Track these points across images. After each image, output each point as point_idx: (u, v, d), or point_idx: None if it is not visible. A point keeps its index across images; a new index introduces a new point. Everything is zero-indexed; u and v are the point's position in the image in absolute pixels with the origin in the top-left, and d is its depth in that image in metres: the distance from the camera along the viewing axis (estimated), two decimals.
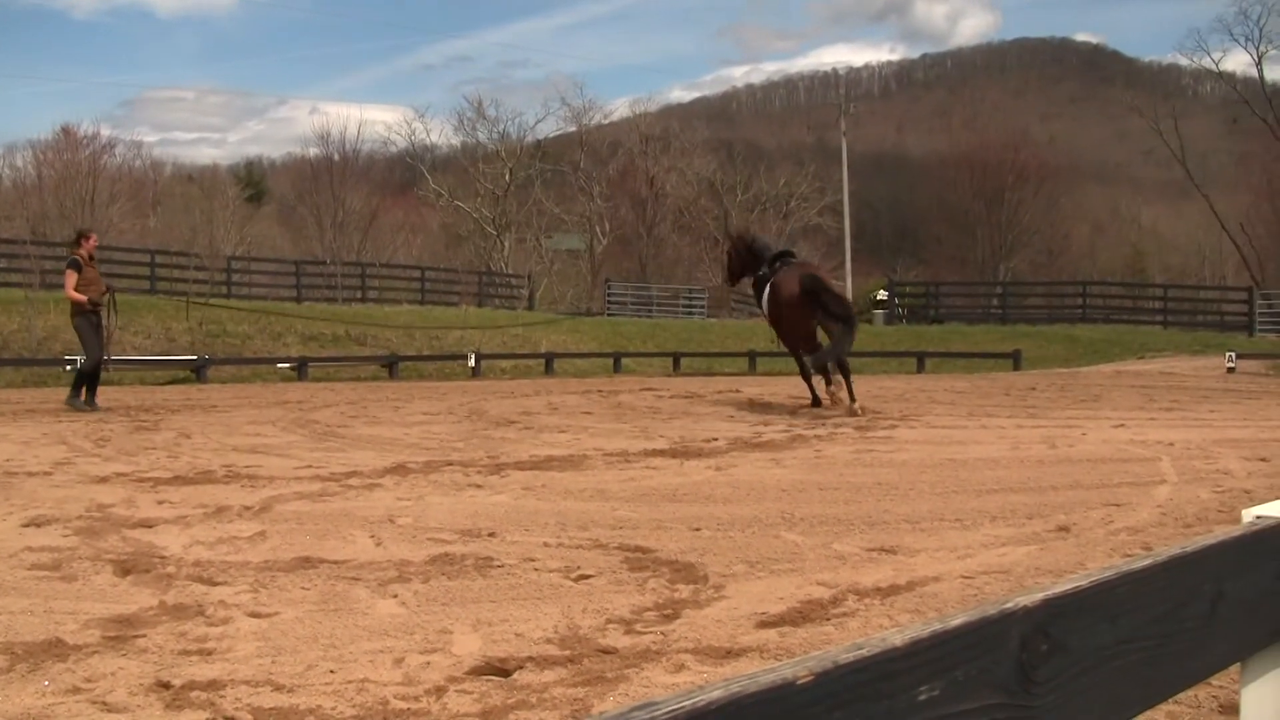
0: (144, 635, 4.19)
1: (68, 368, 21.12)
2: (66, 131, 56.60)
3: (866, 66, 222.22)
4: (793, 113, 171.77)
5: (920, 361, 29.05)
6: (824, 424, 12.56)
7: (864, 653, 1.12)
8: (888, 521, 6.42)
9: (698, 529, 6.22)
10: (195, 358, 23.07)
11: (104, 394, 15.71)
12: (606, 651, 4.01)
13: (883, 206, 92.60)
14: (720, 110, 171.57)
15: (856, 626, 4.34)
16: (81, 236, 15.28)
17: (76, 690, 3.65)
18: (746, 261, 15.25)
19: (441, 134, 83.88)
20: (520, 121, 64.55)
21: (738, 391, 18.59)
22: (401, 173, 71.55)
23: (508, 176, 60.13)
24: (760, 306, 15.39)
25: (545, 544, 5.84)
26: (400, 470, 8.71)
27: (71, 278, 14.66)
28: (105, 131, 60.06)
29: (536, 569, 5.27)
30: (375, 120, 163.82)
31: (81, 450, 10.17)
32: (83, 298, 14.67)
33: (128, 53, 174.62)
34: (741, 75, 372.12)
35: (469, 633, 4.25)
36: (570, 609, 4.58)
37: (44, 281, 26.98)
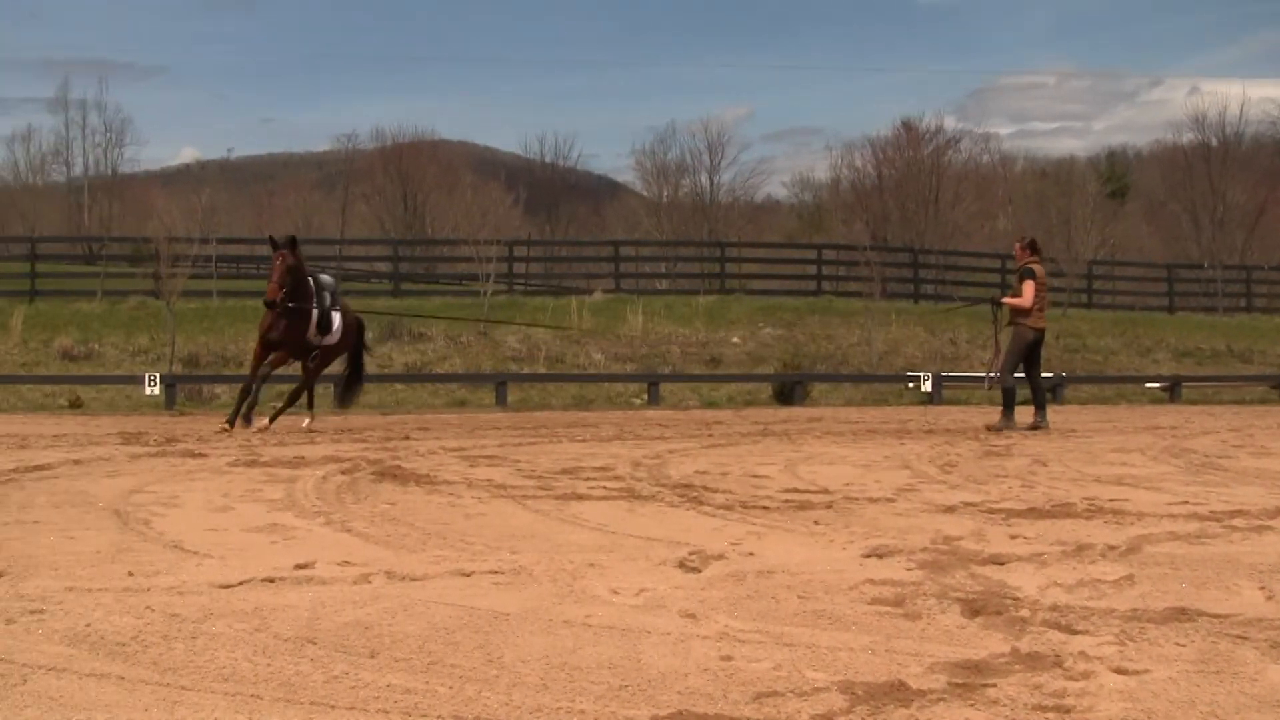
0: (994, 685, 4.24)
1: (910, 385, 22.33)
2: (907, 127, 59.98)
3: None
4: None
5: None
6: None
7: None
8: None
9: None
10: (1050, 375, 23.38)
11: (949, 414, 16.39)
12: None
13: None
14: None
15: None
16: (1029, 247, 16.41)
17: None
18: (305, 292, 15.85)
19: None
20: None
21: None
22: None
23: None
24: (319, 330, 16.11)
25: None
26: None
27: (1030, 288, 15.91)
28: (949, 124, 63.04)
29: None
30: (1262, 97, 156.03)
31: (926, 476, 10.63)
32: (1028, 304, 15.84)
33: (979, 37, 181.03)
34: None
35: None
36: None
37: (884, 290, 28.74)
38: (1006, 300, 16.07)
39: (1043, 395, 16.55)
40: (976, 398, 20.70)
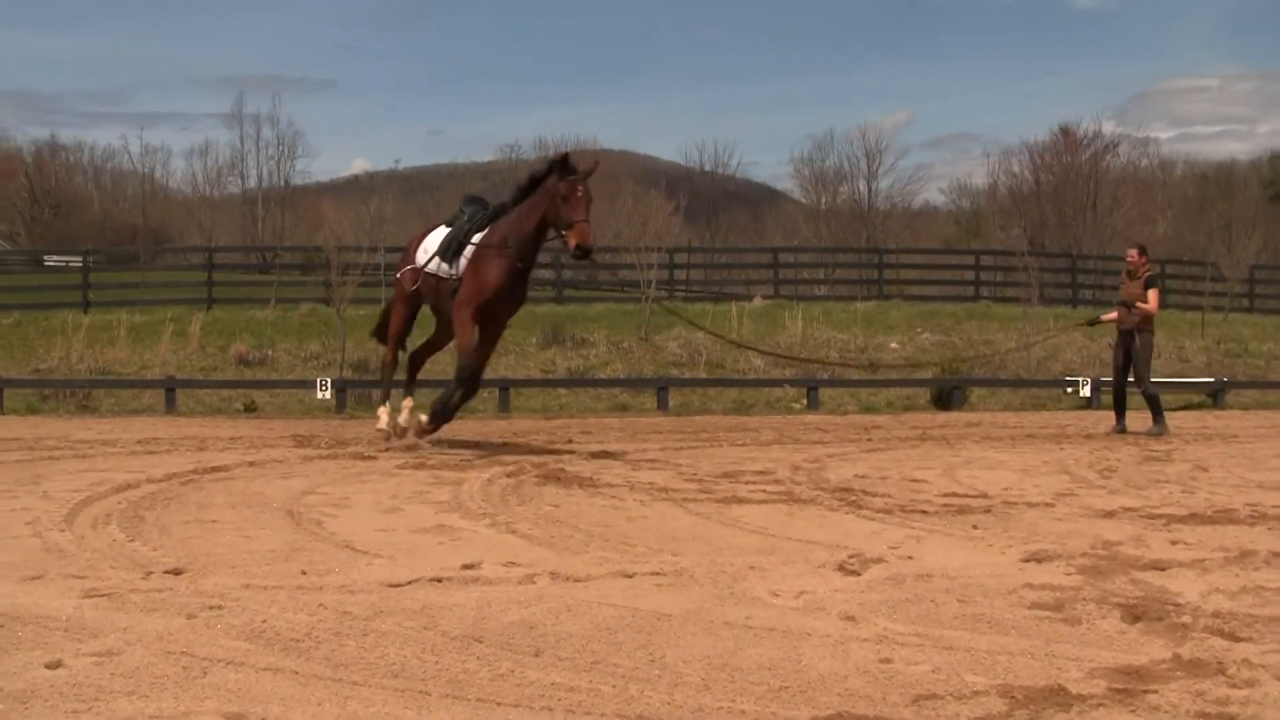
0: (1155, 691, 4.18)
1: (1068, 390, 21.97)
2: (1065, 132, 59.18)
3: None
4: None
5: None
6: None
7: None
8: None
9: None
10: (1211, 380, 22.83)
11: (1108, 419, 16.16)
12: None
13: None
14: None
15: None
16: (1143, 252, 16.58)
17: None
18: None
19: None
20: None
21: None
22: None
23: None
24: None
25: None
26: None
27: (1156, 295, 15.96)
28: (1108, 129, 62.42)
29: None
30: None
31: (1085, 481, 10.46)
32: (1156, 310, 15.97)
33: (1140, 41, 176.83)
34: None
35: None
36: None
37: (1042, 296, 28.26)
38: (1140, 306, 15.75)
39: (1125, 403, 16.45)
40: (1136, 403, 20.31)
